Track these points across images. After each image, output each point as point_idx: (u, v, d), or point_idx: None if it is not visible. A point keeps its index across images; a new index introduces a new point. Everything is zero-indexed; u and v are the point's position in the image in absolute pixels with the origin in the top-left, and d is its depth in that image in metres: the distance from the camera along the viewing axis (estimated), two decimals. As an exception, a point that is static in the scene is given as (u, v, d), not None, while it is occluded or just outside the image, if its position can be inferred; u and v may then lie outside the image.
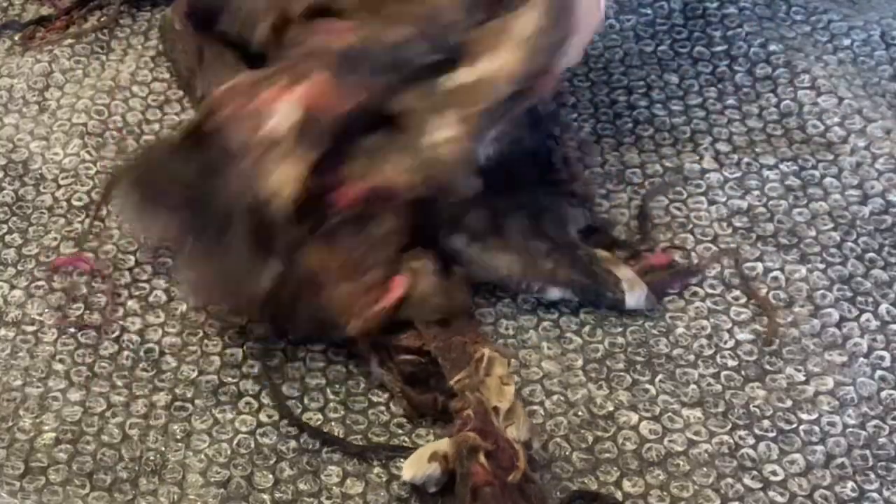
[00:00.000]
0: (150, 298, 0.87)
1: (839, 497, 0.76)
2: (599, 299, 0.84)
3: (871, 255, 0.88)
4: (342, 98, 0.81)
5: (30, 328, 0.85)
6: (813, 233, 0.90)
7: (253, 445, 0.79)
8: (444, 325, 0.79)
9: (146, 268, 0.88)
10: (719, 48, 1.02)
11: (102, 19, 1.06)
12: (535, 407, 0.80)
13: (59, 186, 0.93)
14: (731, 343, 0.84)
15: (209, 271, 0.82)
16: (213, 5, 0.96)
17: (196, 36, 0.97)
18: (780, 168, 0.94)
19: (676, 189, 0.93)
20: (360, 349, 0.82)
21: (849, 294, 0.86)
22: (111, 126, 0.97)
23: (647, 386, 0.82)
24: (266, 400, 0.81)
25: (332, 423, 0.80)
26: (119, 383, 0.82)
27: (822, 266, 0.88)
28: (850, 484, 0.77)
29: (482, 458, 0.72)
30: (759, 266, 0.88)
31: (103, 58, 1.03)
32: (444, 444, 0.75)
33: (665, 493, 0.76)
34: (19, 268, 0.89)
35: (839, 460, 0.78)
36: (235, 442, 0.79)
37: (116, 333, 0.85)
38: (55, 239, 0.90)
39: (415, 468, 0.74)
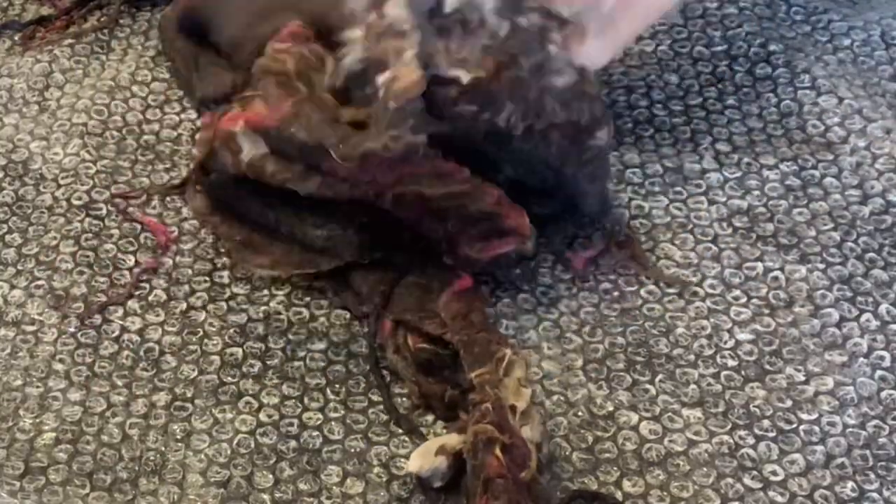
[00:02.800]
0: (150, 298, 0.87)
1: (839, 497, 0.76)
2: None
3: (871, 255, 0.88)
4: None
5: (30, 328, 0.85)
6: (813, 233, 0.90)
7: (253, 445, 0.79)
8: (468, 319, 0.80)
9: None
10: (719, 48, 1.02)
11: (102, 19, 1.06)
12: (535, 407, 0.80)
13: (59, 186, 0.93)
14: (731, 343, 0.84)
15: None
16: (204, 20, 0.97)
17: (189, 45, 0.97)
18: (780, 168, 0.94)
19: (676, 189, 0.93)
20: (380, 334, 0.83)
21: (849, 294, 0.86)
22: (112, 126, 0.97)
23: (647, 386, 0.82)
24: (266, 399, 0.81)
25: (332, 423, 0.80)
26: (119, 383, 0.82)
27: (822, 266, 0.88)
28: (850, 484, 0.77)
29: (498, 451, 0.72)
30: (759, 266, 0.88)
31: (103, 58, 1.03)
32: (452, 439, 0.75)
33: (665, 493, 0.77)
34: (19, 268, 0.89)
35: (839, 460, 0.78)
36: (235, 442, 0.79)
37: (116, 333, 0.85)
38: (55, 238, 0.90)
39: (421, 460, 0.74)
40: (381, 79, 0.79)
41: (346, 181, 0.80)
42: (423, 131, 0.78)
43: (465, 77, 0.79)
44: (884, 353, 0.83)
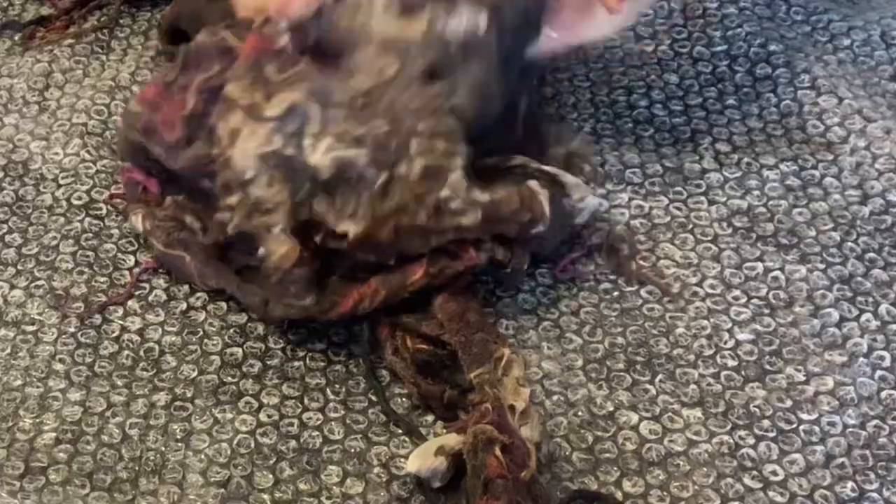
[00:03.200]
0: (150, 298, 0.87)
1: (839, 497, 0.76)
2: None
3: (871, 255, 0.88)
4: None
5: (30, 328, 0.85)
6: (813, 233, 0.90)
7: (253, 445, 0.79)
8: (464, 319, 0.80)
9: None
10: (719, 48, 1.02)
11: (102, 19, 1.06)
12: (535, 407, 0.80)
13: (59, 186, 0.93)
14: (731, 343, 0.84)
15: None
16: (189, 31, 0.96)
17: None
18: (780, 168, 0.94)
19: (676, 189, 0.93)
20: (377, 334, 0.82)
21: (849, 294, 0.86)
22: (112, 126, 0.97)
23: (647, 386, 0.82)
24: (266, 399, 0.81)
25: (332, 423, 0.80)
26: (119, 383, 0.82)
27: (822, 266, 0.88)
28: (850, 484, 0.77)
29: (498, 451, 0.72)
30: (759, 266, 0.88)
31: (103, 58, 1.03)
32: (451, 440, 0.75)
33: (665, 493, 0.76)
34: (19, 268, 0.89)
35: (839, 460, 0.78)
36: (235, 442, 0.79)
37: (116, 333, 0.85)
38: (55, 238, 0.90)
39: (421, 460, 0.74)
40: (259, 253, 0.81)
41: None
42: (309, 294, 0.80)
43: (352, 231, 0.80)
44: (884, 353, 0.83)
